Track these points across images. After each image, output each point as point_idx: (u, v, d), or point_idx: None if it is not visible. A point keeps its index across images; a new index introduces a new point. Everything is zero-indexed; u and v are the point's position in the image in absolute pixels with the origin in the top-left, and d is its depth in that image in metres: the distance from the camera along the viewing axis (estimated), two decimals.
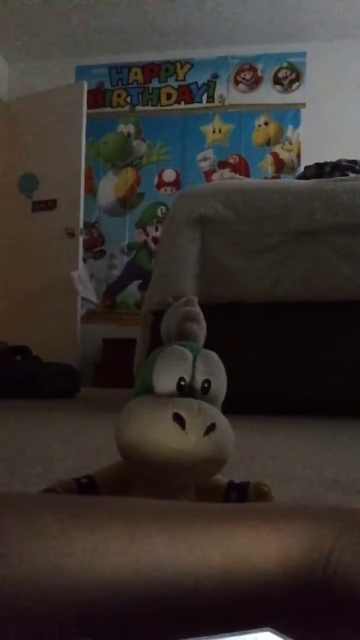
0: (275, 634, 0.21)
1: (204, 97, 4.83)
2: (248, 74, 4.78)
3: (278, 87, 4.74)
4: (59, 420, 1.84)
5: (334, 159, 3.02)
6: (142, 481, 0.48)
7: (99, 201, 4.86)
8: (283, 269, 2.22)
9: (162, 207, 4.73)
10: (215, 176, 4.71)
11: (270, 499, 0.51)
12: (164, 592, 0.27)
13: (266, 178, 4.56)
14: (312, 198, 2.24)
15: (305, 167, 3.24)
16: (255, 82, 4.78)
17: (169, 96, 4.88)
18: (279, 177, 4.61)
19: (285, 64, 4.73)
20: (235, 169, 4.70)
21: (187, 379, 0.47)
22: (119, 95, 4.94)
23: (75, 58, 4.93)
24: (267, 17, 4.40)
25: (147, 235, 4.79)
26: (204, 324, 0.54)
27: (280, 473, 0.96)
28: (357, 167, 2.90)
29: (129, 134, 4.90)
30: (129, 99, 4.92)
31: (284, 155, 4.70)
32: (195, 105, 4.84)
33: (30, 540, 0.28)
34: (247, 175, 4.56)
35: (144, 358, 0.66)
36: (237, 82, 4.80)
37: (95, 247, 4.83)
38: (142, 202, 4.83)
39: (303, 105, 4.69)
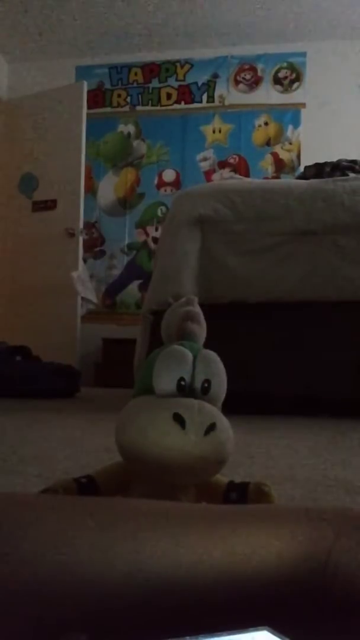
0: (273, 633, 0.21)
1: (204, 97, 4.83)
2: (248, 74, 4.78)
3: (278, 87, 4.74)
4: (59, 420, 1.84)
5: (334, 159, 3.02)
6: (142, 481, 0.48)
7: (99, 201, 4.86)
8: (283, 269, 2.22)
9: (162, 207, 4.73)
10: (215, 176, 4.71)
11: (270, 499, 0.51)
12: (163, 591, 0.27)
13: (266, 178, 4.55)
14: (312, 198, 2.24)
15: (305, 167, 3.24)
16: (255, 82, 4.78)
17: (168, 96, 4.88)
18: (279, 177, 4.60)
19: (285, 64, 4.73)
20: (235, 169, 4.70)
21: (187, 379, 0.47)
22: (119, 95, 4.94)
23: (75, 58, 4.93)
24: (267, 17, 4.39)
25: (147, 235, 4.79)
26: (204, 324, 0.54)
27: (280, 473, 0.96)
28: (357, 167, 2.90)
29: (129, 134, 4.90)
30: (129, 99, 4.92)
31: (284, 155, 4.70)
32: (195, 105, 4.83)
33: (31, 540, 0.28)
34: (247, 175, 4.55)
35: (144, 358, 0.66)
36: (237, 82, 4.80)
37: (95, 247, 4.83)
38: (142, 202, 4.83)
39: (303, 105, 4.69)
